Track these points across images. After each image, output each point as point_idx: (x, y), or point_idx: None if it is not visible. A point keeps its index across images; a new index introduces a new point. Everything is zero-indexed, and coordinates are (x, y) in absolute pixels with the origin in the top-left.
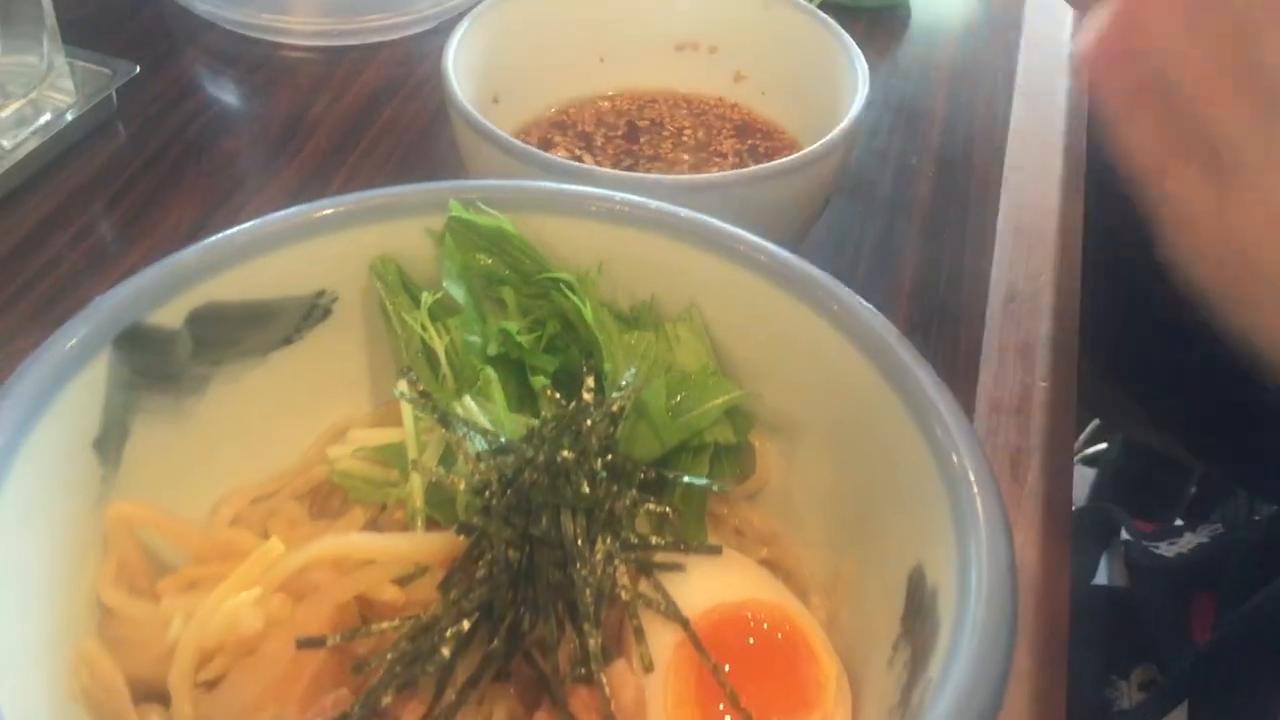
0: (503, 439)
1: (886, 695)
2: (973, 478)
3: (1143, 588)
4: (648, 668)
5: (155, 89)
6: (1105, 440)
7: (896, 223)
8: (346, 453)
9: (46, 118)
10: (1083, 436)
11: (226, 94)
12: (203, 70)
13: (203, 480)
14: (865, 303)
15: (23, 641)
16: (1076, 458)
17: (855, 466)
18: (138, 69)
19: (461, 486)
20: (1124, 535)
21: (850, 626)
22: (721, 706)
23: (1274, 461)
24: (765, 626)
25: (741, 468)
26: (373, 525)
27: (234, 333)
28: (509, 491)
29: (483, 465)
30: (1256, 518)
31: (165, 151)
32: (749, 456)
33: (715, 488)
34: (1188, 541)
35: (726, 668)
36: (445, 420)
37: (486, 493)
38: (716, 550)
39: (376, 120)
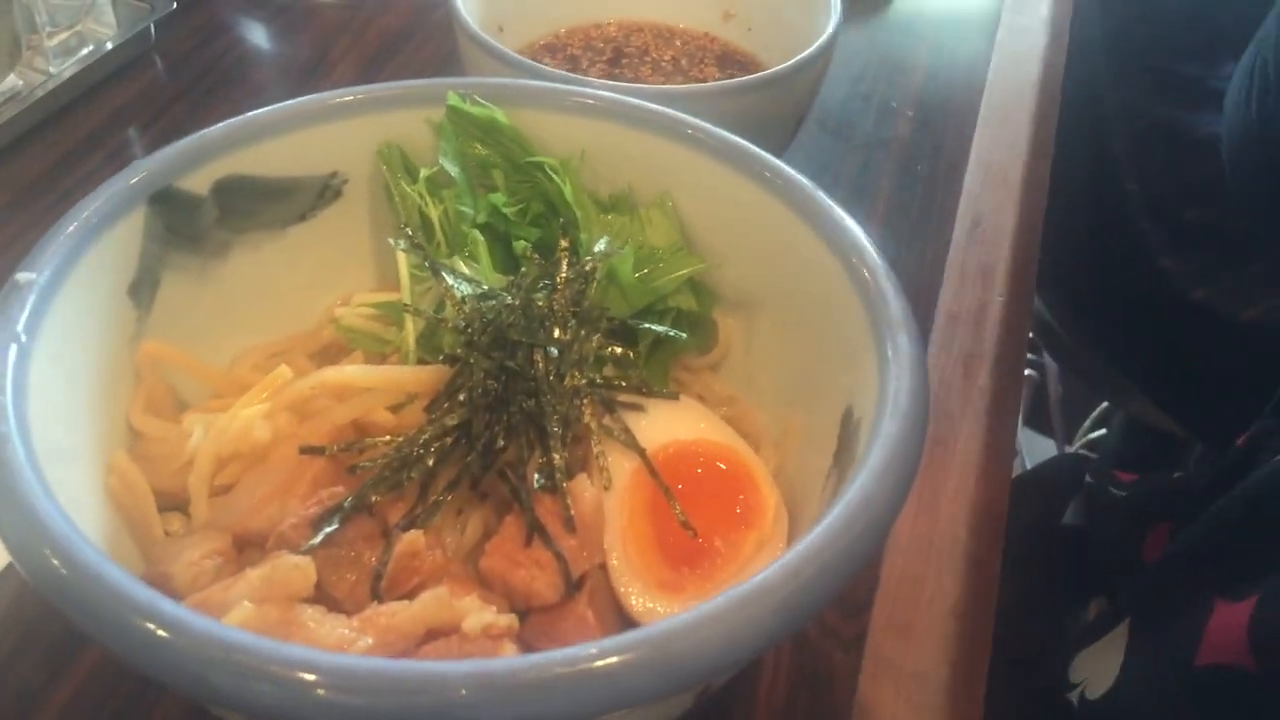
0: (485, 287)
1: (815, 516)
2: (897, 320)
3: (1100, 523)
4: (606, 485)
5: (190, 25)
6: (1104, 427)
7: (874, 158)
8: (351, 311)
9: (89, 48)
10: (1085, 425)
11: (255, 33)
12: (234, 11)
13: (224, 334)
14: (808, 181)
15: (68, 444)
16: (1078, 444)
17: (802, 331)
18: (174, 5)
19: (449, 326)
20: (1087, 479)
21: (795, 471)
22: (671, 523)
23: (1210, 389)
24: (713, 461)
25: (706, 341)
26: None
27: (255, 205)
28: (489, 329)
29: (467, 308)
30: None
31: (197, 83)
32: (713, 332)
33: (671, 333)
34: (1148, 481)
35: (679, 488)
36: (436, 269)
37: (469, 329)
38: (674, 396)
39: (392, 61)
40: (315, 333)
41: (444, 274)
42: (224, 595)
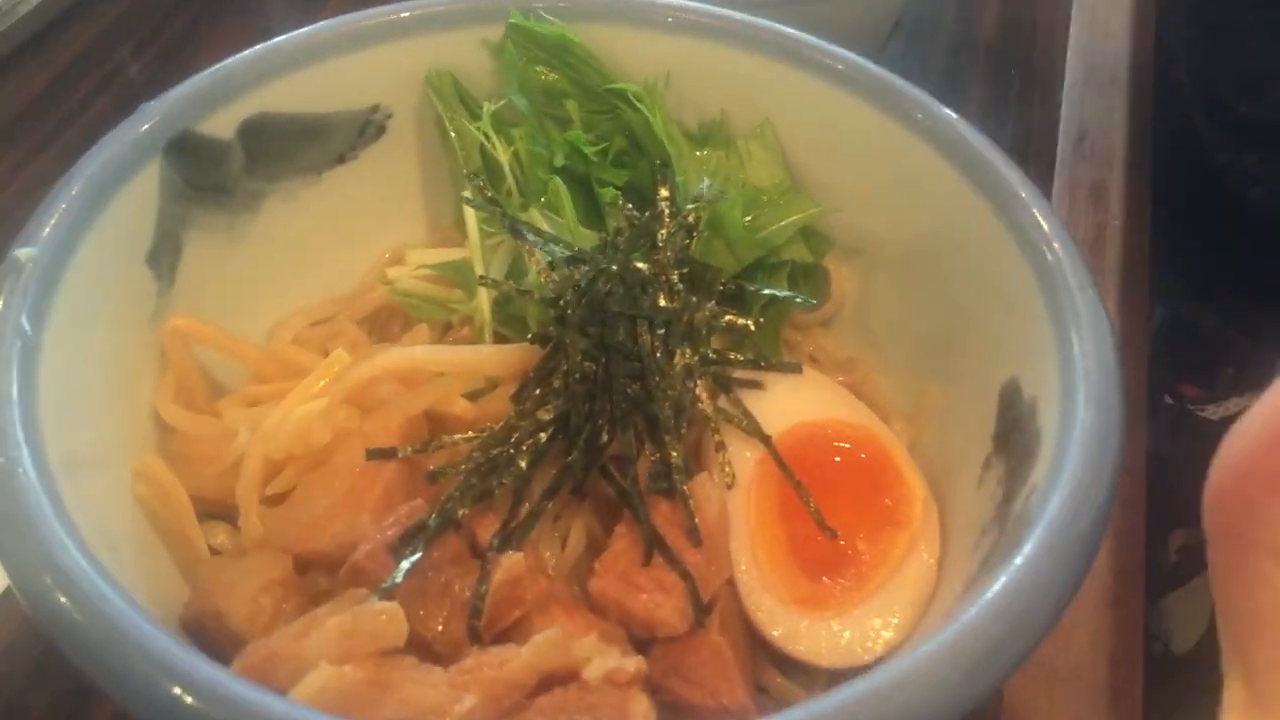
0: (575, 249)
1: (978, 513)
2: (1073, 283)
3: (1186, 450)
4: (730, 483)
5: None
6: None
7: (960, 60)
8: (407, 272)
9: None
10: None
11: None
12: None
13: (258, 302)
14: (950, 111)
15: (88, 449)
16: None
17: (939, 286)
18: None
19: (535, 298)
20: (1167, 400)
21: (934, 450)
22: (805, 524)
23: None
24: (849, 446)
25: (816, 292)
26: (438, 344)
27: (288, 147)
28: (584, 302)
29: (556, 276)
30: None
31: None
32: (824, 281)
33: (799, 300)
34: (1235, 404)
35: (811, 482)
36: (516, 229)
37: (561, 302)
38: (797, 368)
39: None
40: (362, 295)
41: (527, 234)
42: (295, 649)
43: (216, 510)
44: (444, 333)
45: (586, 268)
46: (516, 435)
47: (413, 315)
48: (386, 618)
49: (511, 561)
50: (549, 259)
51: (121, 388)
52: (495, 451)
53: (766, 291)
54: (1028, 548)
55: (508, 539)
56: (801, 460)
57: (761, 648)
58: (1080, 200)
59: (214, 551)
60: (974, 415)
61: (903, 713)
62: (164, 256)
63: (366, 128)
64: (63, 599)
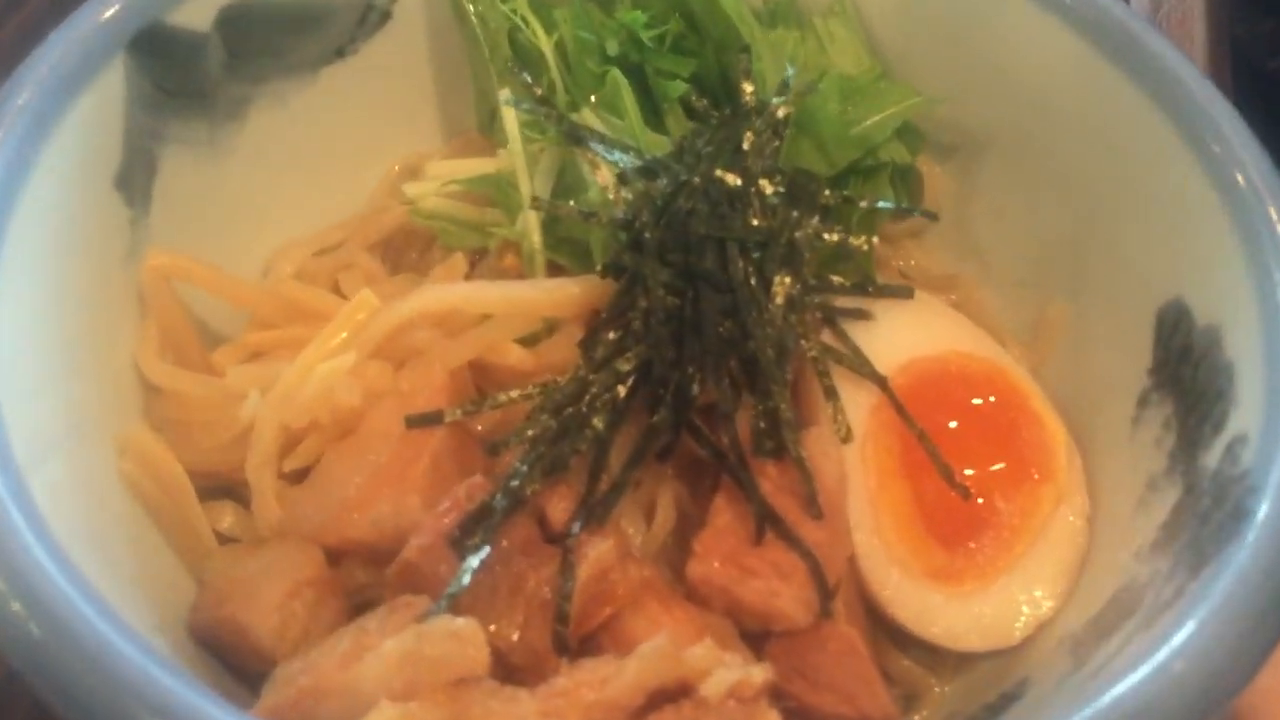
0: (647, 157)
1: (1139, 462)
2: (1266, 195)
3: None
4: (845, 437)
5: None
6: None
7: None
8: (431, 189)
9: None
10: None
11: None
12: None
13: (250, 229)
14: None
15: (55, 423)
16: None
17: (1066, 187)
18: None
19: (602, 220)
20: None
21: (1063, 382)
22: (933, 481)
23: None
24: (974, 384)
25: (908, 196)
26: (474, 277)
27: (276, 39)
28: (663, 222)
29: (627, 192)
30: None
31: None
32: (915, 184)
33: (918, 213)
34: None
35: (935, 429)
36: (576, 134)
37: (636, 224)
38: (908, 292)
39: None
40: (374, 217)
41: (589, 141)
42: (343, 679)
43: (220, 486)
44: (478, 262)
45: (663, 181)
46: (591, 390)
47: (441, 241)
48: (461, 638)
49: (600, 551)
50: (617, 171)
51: (96, 343)
52: (566, 411)
53: (882, 205)
54: (1262, 513)
55: (587, 518)
56: (921, 403)
57: (883, 626)
58: None
59: (221, 539)
60: (1119, 340)
61: None
62: (136, 178)
63: (368, 14)
64: (16, 606)
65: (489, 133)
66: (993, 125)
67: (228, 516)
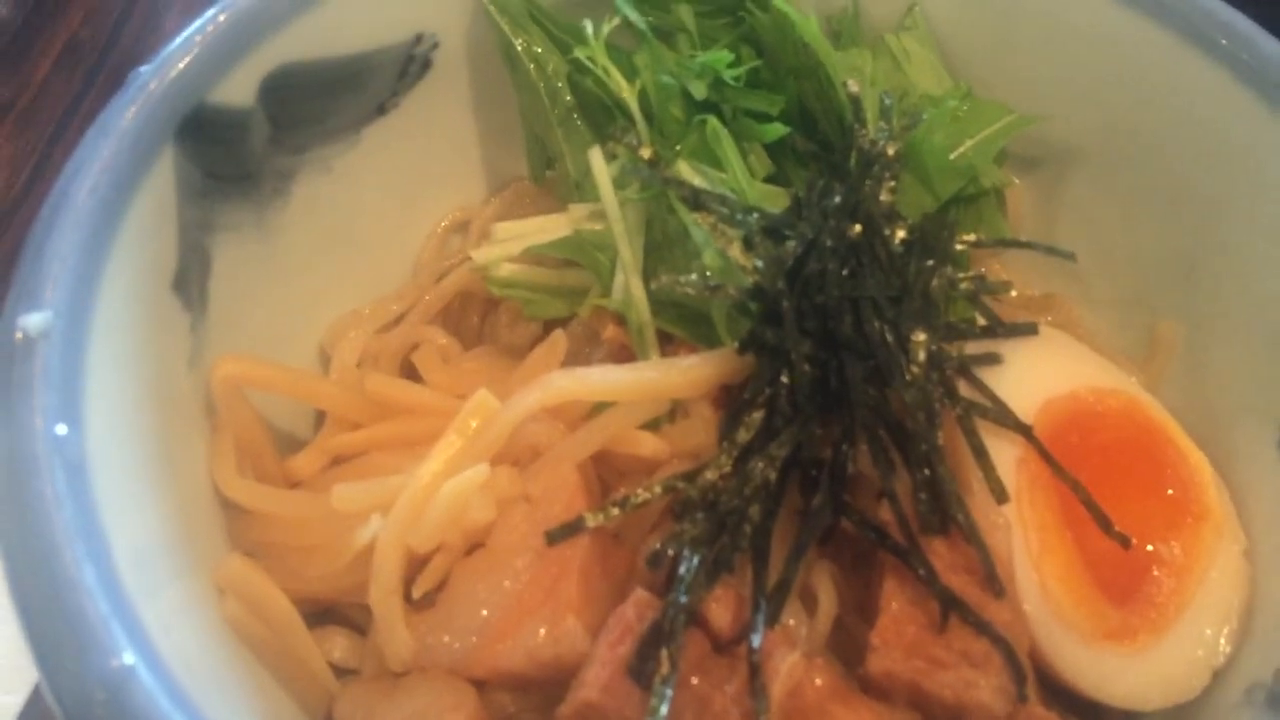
0: (769, 217)
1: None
2: None
3: None
4: (1000, 498)
5: None
6: None
7: None
8: (503, 255)
9: None
10: None
11: None
12: None
13: (304, 309)
14: None
15: (159, 557)
16: None
17: (1170, 198)
18: None
19: (730, 292)
20: None
21: (1185, 406)
22: (1091, 532)
23: None
24: (1110, 419)
25: (1003, 218)
26: (574, 352)
27: (318, 104)
28: (799, 285)
29: (756, 257)
30: None
31: None
32: (999, 201)
33: (1055, 252)
34: None
35: (1081, 474)
36: (696, 199)
37: (770, 293)
38: (1033, 329)
39: None
40: (432, 284)
41: (710, 204)
42: None
43: (323, 612)
44: (566, 330)
45: (792, 241)
46: (741, 477)
47: (526, 313)
48: None
49: (790, 664)
50: (740, 234)
51: (173, 464)
52: (724, 505)
53: (1023, 244)
54: None
55: (766, 622)
56: (1065, 448)
57: (1056, 693)
58: None
59: (335, 670)
60: (1250, 360)
61: None
62: (192, 278)
63: (409, 65)
64: None
65: (543, 183)
66: (1079, 135)
67: (339, 645)
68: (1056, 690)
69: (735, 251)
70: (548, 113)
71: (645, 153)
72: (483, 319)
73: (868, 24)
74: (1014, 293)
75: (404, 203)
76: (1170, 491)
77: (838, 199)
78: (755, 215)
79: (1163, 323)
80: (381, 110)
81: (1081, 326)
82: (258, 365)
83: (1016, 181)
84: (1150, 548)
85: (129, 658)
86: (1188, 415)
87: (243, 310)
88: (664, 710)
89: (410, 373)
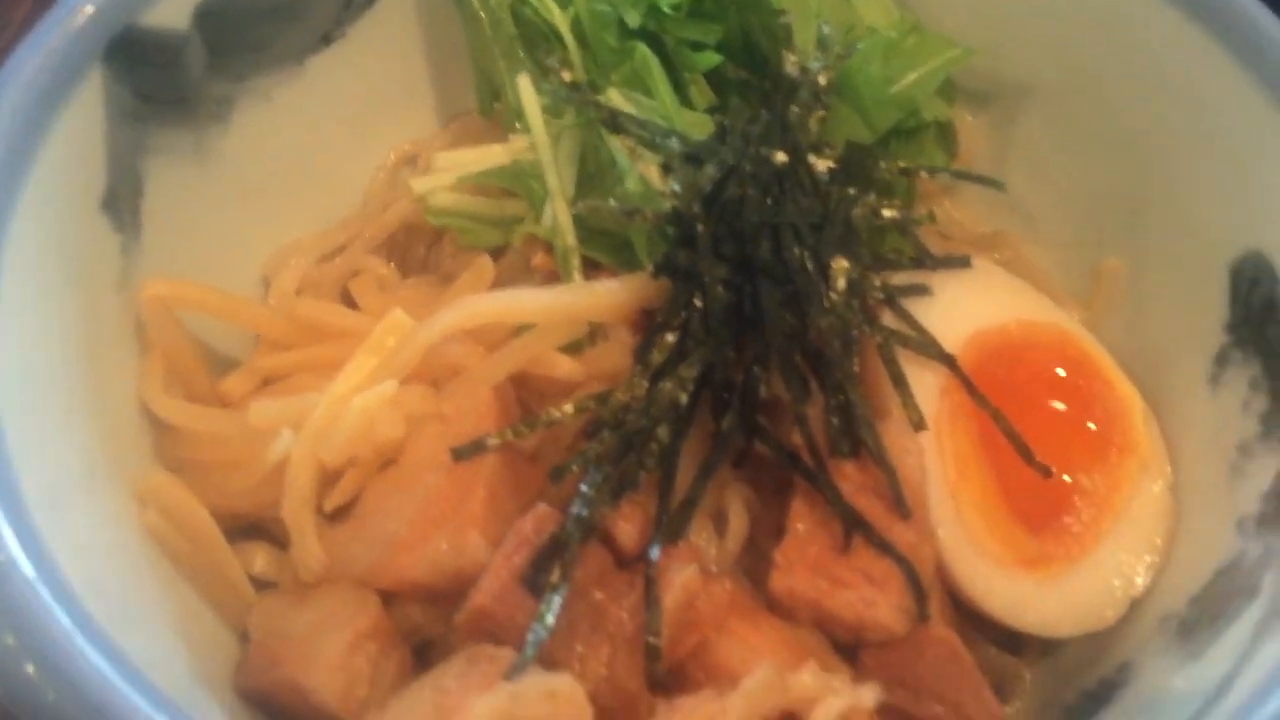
0: (693, 142)
1: (1223, 426)
2: None
3: None
4: (919, 425)
5: None
6: None
7: None
8: (442, 183)
9: None
10: None
11: None
12: None
13: (244, 238)
14: None
15: (67, 471)
16: None
17: (1118, 138)
18: None
19: (647, 216)
20: None
21: (1126, 342)
22: (1011, 462)
23: None
24: (1040, 353)
25: (945, 152)
26: (498, 276)
27: (258, 31)
28: (714, 213)
29: (674, 181)
30: None
31: None
32: (949, 137)
33: (982, 180)
34: None
35: (1006, 405)
36: (615, 122)
37: (687, 217)
38: (965, 262)
39: None
40: (376, 216)
41: (630, 127)
42: None
43: (245, 525)
44: (501, 258)
45: (710, 167)
46: (653, 400)
47: (461, 241)
48: (560, 698)
49: (685, 579)
50: (660, 159)
51: (96, 381)
52: (630, 424)
53: (944, 173)
54: None
55: (665, 539)
56: (990, 379)
57: (970, 618)
58: None
59: (256, 583)
60: (1186, 296)
61: None
62: (123, 198)
63: None
64: (30, 670)
65: (490, 115)
66: (1033, 73)
67: (260, 559)
68: (979, 620)
69: (654, 176)
70: (491, 44)
71: (567, 76)
72: (429, 250)
73: None
74: (942, 231)
75: (352, 135)
76: (1096, 425)
77: (757, 127)
78: (674, 140)
79: (1106, 260)
80: (326, 40)
81: (1029, 264)
82: (187, 287)
83: (970, 118)
84: (1070, 479)
85: (16, 553)
86: (1128, 352)
87: (181, 235)
88: (550, 619)
89: (352, 302)
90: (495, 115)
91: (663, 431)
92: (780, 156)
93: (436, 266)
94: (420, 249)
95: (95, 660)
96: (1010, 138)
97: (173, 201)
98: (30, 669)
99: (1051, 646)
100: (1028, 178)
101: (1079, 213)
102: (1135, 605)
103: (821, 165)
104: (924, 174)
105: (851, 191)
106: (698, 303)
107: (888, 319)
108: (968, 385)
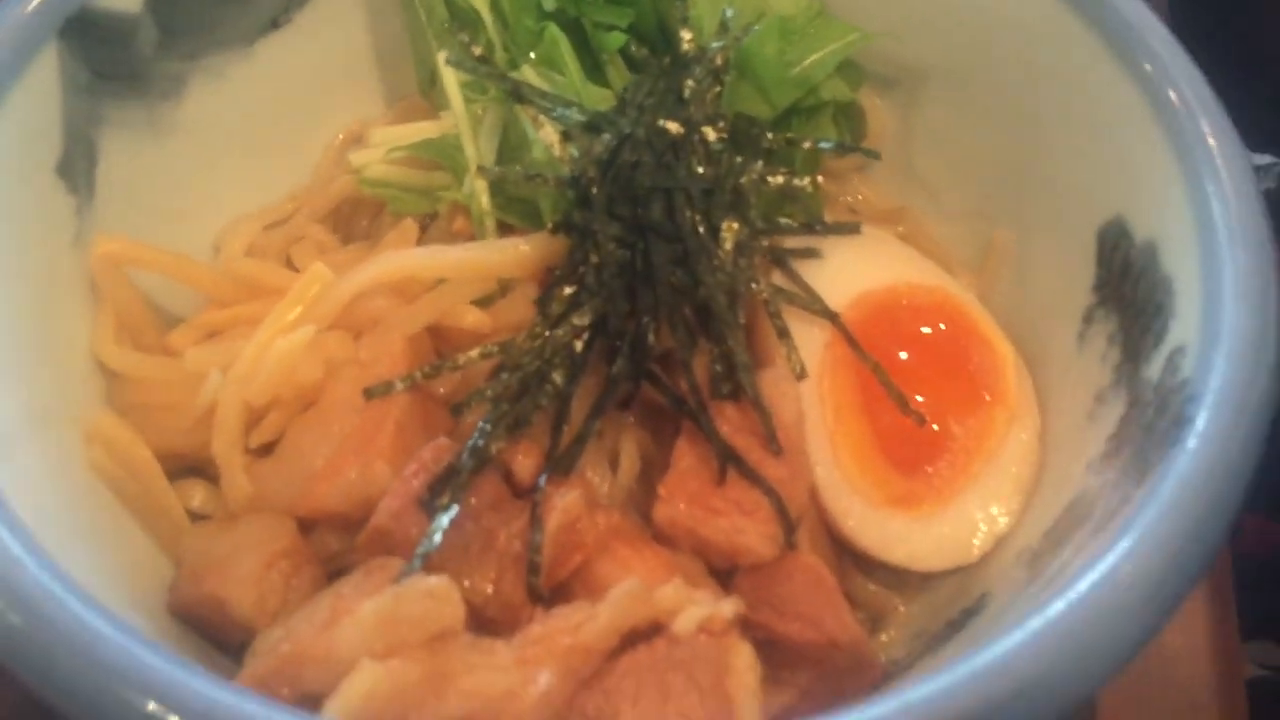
0: (590, 113)
1: (1087, 377)
2: (1198, 109)
3: None
4: (800, 375)
5: None
6: None
7: None
8: (376, 157)
9: None
10: None
11: None
12: None
13: (197, 208)
14: None
15: (16, 415)
16: None
17: (1005, 115)
18: None
19: (549, 180)
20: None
21: (1012, 305)
22: (888, 410)
23: None
24: (923, 313)
25: (852, 132)
26: (426, 241)
27: (208, 13)
28: (609, 177)
29: (572, 148)
30: None
31: None
32: (858, 118)
33: (861, 152)
34: None
35: (888, 360)
36: (518, 92)
37: (583, 180)
38: (855, 228)
39: None
40: (321, 187)
41: (533, 98)
42: (324, 644)
43: (188, 465)
44: (430, 225)
45: (607, 135)
46: (548, 347)
47: (390, 208)
48: (436, 596)
49: (567, 503)
50: (561, 128)
51: (50, 333)
52: (526, 368)
53: (824, 144)
54: (1201, 420)
55: (554, 471)
56: (874, 336)
57: (848, 553)
58: None
59: (194, 516)
60: (1063, 262)
61: (1090, 647)
62: (78, 164)
63: None
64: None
65: (429, 96)
66: (931, 58)
67: (198, 494)
68: (866, 561)
69: (556, 144)
70: (425, 29)
71: (477, 52)
72: (371, 222)
73: None
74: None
75: (302, 115)
76: (970, 379)
77: (652, 99)
78: (575, 110)
79: (997, 232)
80: (275, 24)
81: (930, 236)
82: (135, 246)
83: (878, 100)
84: (941, 427)
85: None
86: (1013, 314)
87: (133, 201)
88: (438, 536)
89: (295, 268)
90: (433, 97)
91: (557, 375)
92: (674, 127)
93: (378, 236)
94: (364, 221)
95: (38, 574)
96: (914, 118)
97: (127, 170)
98: None
99: (929, 582)
100: (930, 156)
101: (973, 188)
102: (1000, 542)
103: (713, 136)
104: (833, 152)
105: (739, 160)
106: (594, 259)
107: (778, 278)
108: (849, 339)
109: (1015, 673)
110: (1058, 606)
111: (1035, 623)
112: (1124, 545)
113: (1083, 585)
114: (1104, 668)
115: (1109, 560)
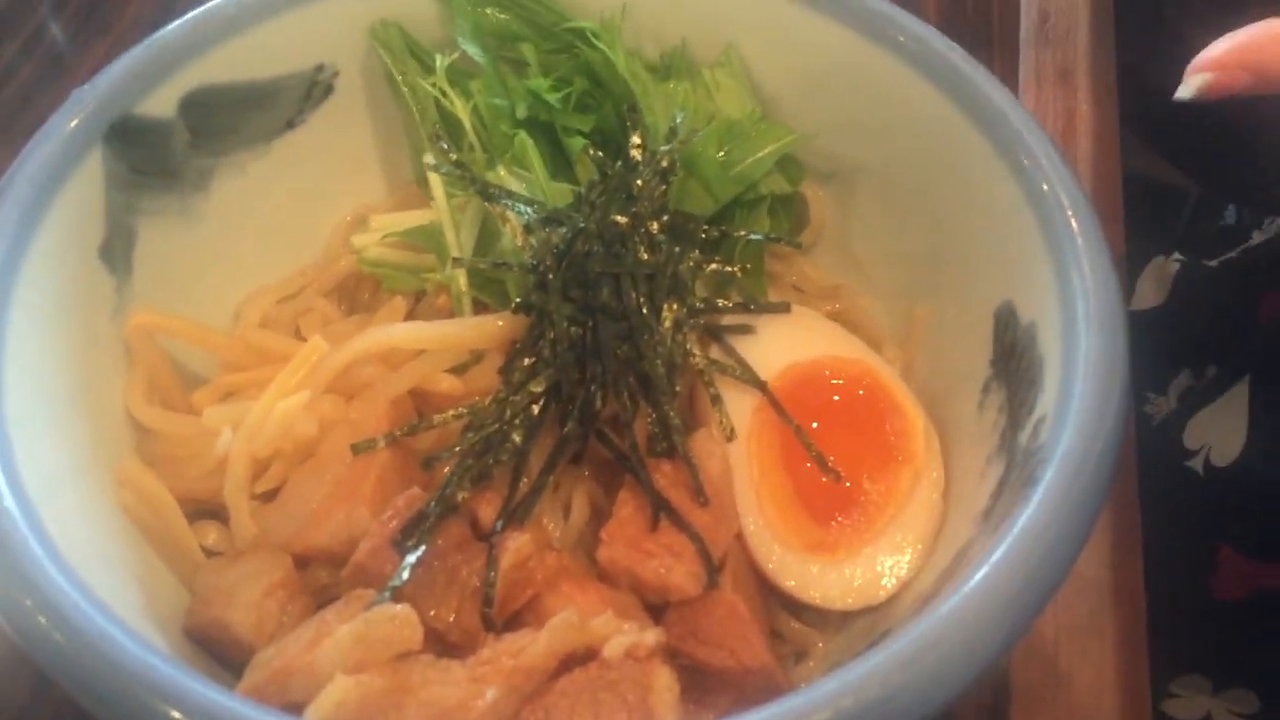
0: (549, 209)
1: (981, 441)
2: (1066, 203)
3: (1196, 296)
4: (729, 436)
5: None
6: None
7: None
8: (374, 240)
9: None
10: None
11: None
12: None
13: (220, 284)
14: (924, 24)
15: (59, 461)
16: None
17: (924, 207)
18: None
19: (512, 268)
20: (1175, 257)
21: (929, 375)
22: (809, 468)
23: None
24: (844, 383)
25: (794, 220)
26: (414, 315)
27: (232, 118)
28: (564, 265)
29: (533, 239)
30: None
31: None
32: (801, 207)
33: (784, 241)
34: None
35: (811, 425)
36: (486, 192)
37: (540, 268)
38: (785, 308)
39: None
40: (328, 265)
41: (498, 197)
42: (307, 660)
43: (205, 509)
44: (418, 302)
45: (564, 229)
46: (509, 409)
47: (385, 286)
48: (399, 621)
49: (518, 544)
50: (524, 222)
51: (90, 392)
52: (489, 428)
53: (754, 236)
54: (1046, 479)
55: (511, 518)
56: (799, 402)
57: (775, 594)
58: (1048, 89)
59: (208, 553)
60: (969, 338)
61: (940, 665)
62: (118, 248)
63: (313, 89)
64: (43, 621)
65: (424, 184)
66: (860, 155)
67: (212, 534)
68: (794, 603)
69: (519, 236)
70: (420, 129)
71: (454, 156)
72: (371, 295)
73: (692, 60)
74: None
75: (313, 201)
76: (883, 441)
77: (604, 197)
78: (535, 207)
79: (918, 307)
80: (290, 125)
81: (863, 312)
82: (165, 318)
83: (820, 192)
84: (852, 483)
85: (19, 523)
86: (929, 383)
87: (165, 278)
88: (405, 573)
89: (304, 336)
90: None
91: (516, 435)
92: (623, 220)
93: (377, 309)
94: (365, 295)
95: (70, 592)
96: (850, 207)
97: (160, 252)
98: (27, 601)
99: (846, 621)
100: (863, 240)
101: (899, 269)
102: (905, 586)
103: (656, 228)
104: (765, 241)
105: (678, 249)
106: (550, 334)
107: (715, 351)
108: (774, 404)
109: (862, 692)
110: (899, 643)
111: (877, 658)
112: (967, 587)
113: (923, 625)
114: (952, 686)
115: (953, 601)
